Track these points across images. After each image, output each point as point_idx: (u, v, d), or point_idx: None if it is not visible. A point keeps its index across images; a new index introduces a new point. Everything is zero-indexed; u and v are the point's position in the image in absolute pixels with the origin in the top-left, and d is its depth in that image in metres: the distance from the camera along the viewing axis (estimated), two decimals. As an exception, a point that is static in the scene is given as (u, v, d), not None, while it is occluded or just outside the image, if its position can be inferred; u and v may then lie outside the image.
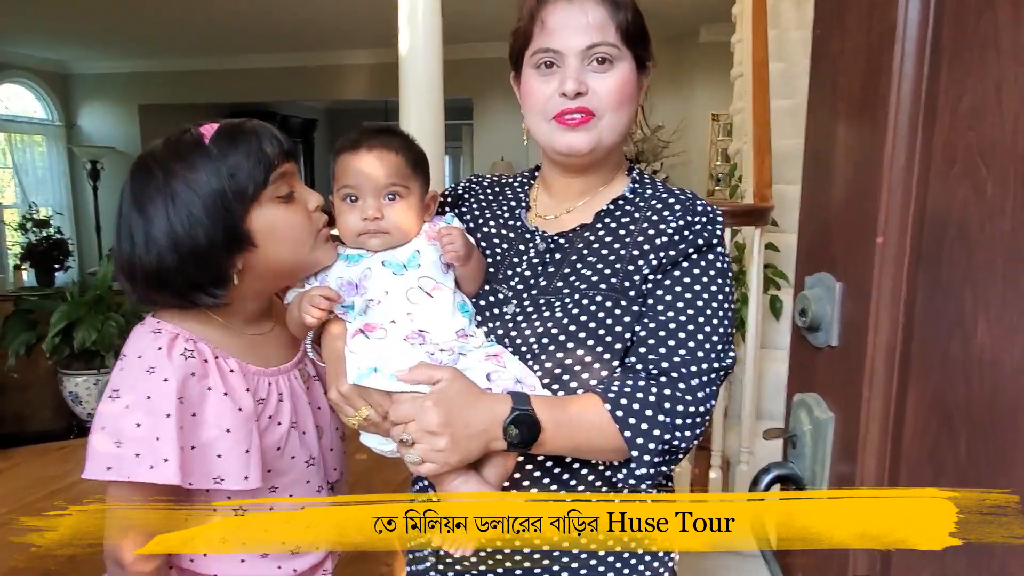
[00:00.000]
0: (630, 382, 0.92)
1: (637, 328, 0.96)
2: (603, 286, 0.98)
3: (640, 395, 0.90)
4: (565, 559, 0.98)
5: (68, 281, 7.16)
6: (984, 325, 0.50)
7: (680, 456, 0.93)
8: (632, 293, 0.97)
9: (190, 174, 0.93)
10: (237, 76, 7.85)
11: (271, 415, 1.03)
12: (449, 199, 1.16)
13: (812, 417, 0.69)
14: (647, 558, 1.01)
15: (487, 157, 7.29)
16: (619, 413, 0.89)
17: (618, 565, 0.99)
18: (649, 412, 0.89)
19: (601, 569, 0.99)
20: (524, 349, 0.97)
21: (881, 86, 0.59)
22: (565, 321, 0.96)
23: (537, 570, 0.98)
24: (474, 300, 1.04)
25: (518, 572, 0.99)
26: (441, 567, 1.03)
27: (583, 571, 0.98)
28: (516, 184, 1.16)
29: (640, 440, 0.89)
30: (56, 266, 7.18)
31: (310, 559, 1.09)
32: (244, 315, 1.05)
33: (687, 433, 0.91)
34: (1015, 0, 0.49)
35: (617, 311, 0.96)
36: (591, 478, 0.98)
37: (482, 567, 1.00)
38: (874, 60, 0.60)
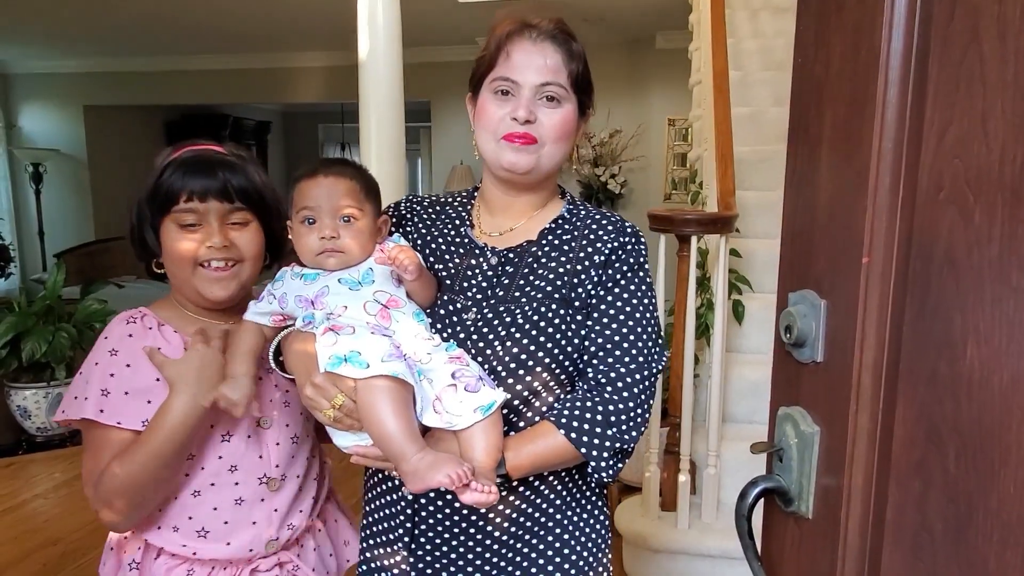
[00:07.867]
0: (579, 403, 1.07)
1: (586, 341, 1.10)
2: (556, 296, 1.10)
3: (589, 415, 1.06)
4: (520, 542, 1.10)
5: (9, 289, 6.93)
6: (973, 347, 0.52)
7: (630, 451, 1.09)
8: (577, 304, 1.11)
9: (151, 172, 1.15)
10: (187, 78, 7.67)
11: None
12: (393, 219, 1.22)
13: (798, 431, 0.70)
14: (589, 557, 1.15)
15: (446, 160, 7.25)
16: (573, 435, 1.05)
17: (561, 560, 1.13)
18: (599, 429, 1.05)
19: (550, 556, 1.12)
20: (489, 352, 1.08)
21: (866, 113, 0.60)
22: (527, 327, 1.08)
23: (497, 546, 1.09)
24: (433, 310, 1.13)
25: (480, 550, 1.09)
26: (413, 545, 1.11)
27: (540, 546, 1.12)
28: (456, 203, 1.25)
29: (595, 452, 1.05)
30: (-3, 273, 6.94)
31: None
32: (196, 305, 1.20)
33: (633, 434, 1.08)
34: (1001, 33, 0.51)
35: (567, 318, 1.09)
36: (551, 479, 1.12)
37: (454, 541, 1.09)
38: (859, 87, 0.61)
